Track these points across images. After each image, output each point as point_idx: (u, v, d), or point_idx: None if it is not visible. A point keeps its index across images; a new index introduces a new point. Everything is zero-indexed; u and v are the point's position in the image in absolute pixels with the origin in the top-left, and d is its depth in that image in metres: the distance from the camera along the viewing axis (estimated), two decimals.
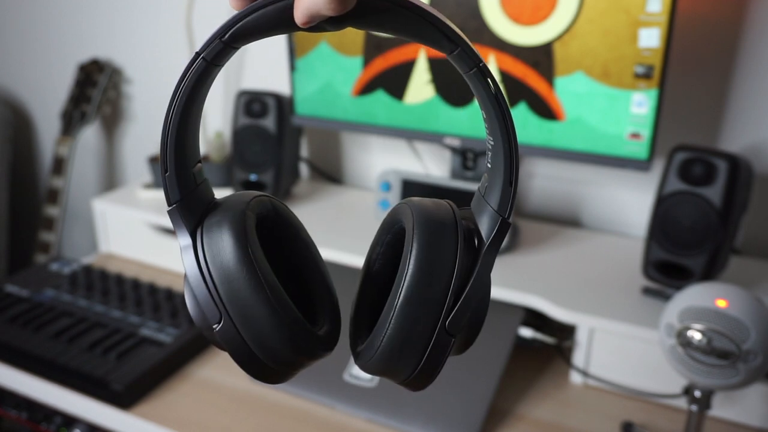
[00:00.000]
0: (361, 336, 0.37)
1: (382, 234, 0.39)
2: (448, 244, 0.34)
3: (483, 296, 0.35)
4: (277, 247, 0.39)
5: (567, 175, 1.17)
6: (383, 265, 0.39)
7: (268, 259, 0.35)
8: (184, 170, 0.35)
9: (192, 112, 0.34)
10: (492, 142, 0.35)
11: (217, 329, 0.34)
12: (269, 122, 1.18)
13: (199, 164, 0.36)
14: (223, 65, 0.34)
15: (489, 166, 0.36)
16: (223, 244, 0.34)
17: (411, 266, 0.33)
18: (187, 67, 0.33)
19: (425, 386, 0.36)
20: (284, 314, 0.34)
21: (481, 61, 0.33)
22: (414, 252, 0.34)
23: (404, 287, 0.33)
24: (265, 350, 0.34)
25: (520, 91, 0.99)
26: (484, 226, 0.35)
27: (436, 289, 0.34)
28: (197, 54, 0.33)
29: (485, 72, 0.33)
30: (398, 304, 0.33)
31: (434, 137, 1.08)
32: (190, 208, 0.35)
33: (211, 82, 0.35)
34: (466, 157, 1.10)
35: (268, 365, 0.35)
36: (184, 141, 0.35)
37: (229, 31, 0.32)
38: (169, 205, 0.35)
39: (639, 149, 0.94)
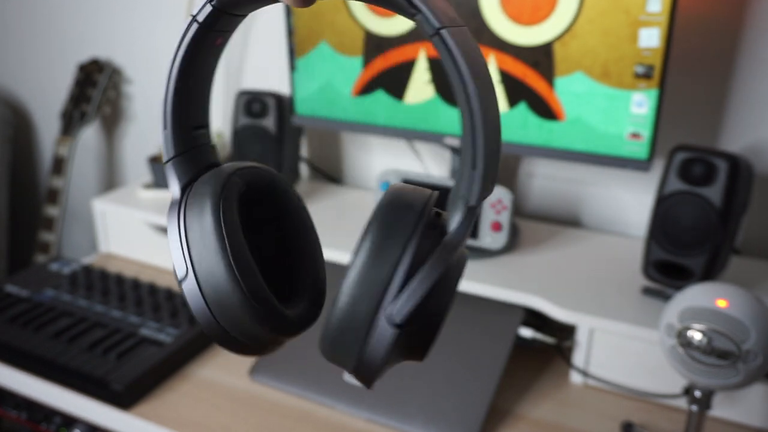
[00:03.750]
0: None
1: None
2: (404, 226, 0.31)
3: (439, 288, 0.31)
4: (267, 220, 0.39)
5: (567, 175, 1.17)
6: None
7: (252, 229, 0.36)
8: (182, 130, 0.37)
9: (192, 75, 0.36)
10: (460, 118, 0.32)
11: (183, 284, 0.34)
12: (269, 122, 1.18)
13: (204, 130, 0.38)
14: (224, 31, 0.36)
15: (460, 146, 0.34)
16: (198, 202, 0.35)
17: (361, 244, 0.31)
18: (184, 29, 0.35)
19: (371, 380, 0.33)
20: (244, 280, 0.33)
21: (443, 26, 0.30)
22: (368, 231, 0.32)
23: (352, 266, 0.31)
24: (225, 315, 0.34)
25: (520, 91, 0.99)
26: (455, 214, 0.32)
27: (381, 270, 0.31)
28: (192, 16, 0.34)
29: (446, 40, 0.30)
30: (344, 284, 0.32)
31: (434, 137, 1.08)
32: (186, 167, 0.37)
33: (215, 50, 0.36)
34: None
35: (227, 331, 0.34)
36: (184, 102, 0.36)
37: None
38: (164, 162, 0.36)
39: (639, 149, 0.94)
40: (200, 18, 0.34)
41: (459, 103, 0.31)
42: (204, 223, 0.34)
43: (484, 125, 0.30)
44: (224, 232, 0.33)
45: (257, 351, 0.36)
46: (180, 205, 0.35)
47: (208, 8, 0.34)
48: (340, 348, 0.32)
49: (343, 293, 0.31)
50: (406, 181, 1.10)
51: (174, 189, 0.36)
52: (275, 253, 0.39)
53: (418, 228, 0.31)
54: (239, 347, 0.35)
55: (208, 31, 0.34)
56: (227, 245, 0.33)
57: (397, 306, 0.31)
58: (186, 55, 0.35)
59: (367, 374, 0.32)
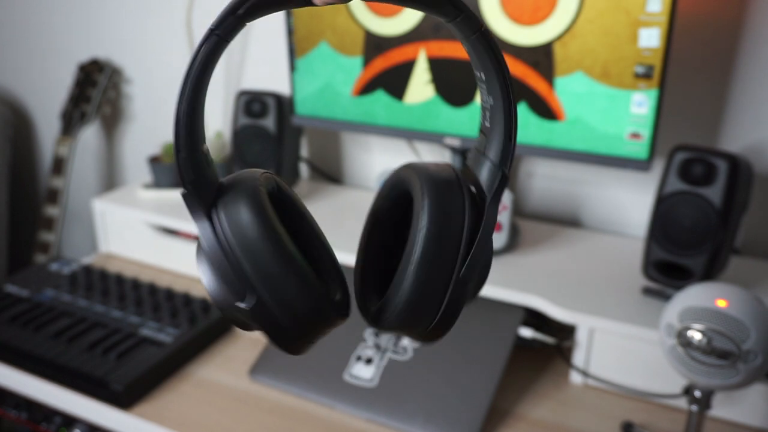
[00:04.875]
0: (372, 299, 0.38)
1: (382, 201, 0.40)
2: (456, 200, 0.36)
3: (490, 244, 0.37)
4: (284, 223, 0.40)
5: (567, 175, 1.17)
6: (385, 230, 0.40)
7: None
8: (197, 151, 0.35)
9: (202, 91, 0.34)
10: (492, 103, 0.37)
11: (245, 305, 0.34)
12: (269, 122, 1.18)
13: (205, 144, 0.36)
14: (231, 39, 0.34)
15: (488, 125, 0.37)
16: (245, 220, 0.34)
17: (425, 222, 0.35)
18: (200, 44, 0.33)
19: (443, 336, 0.38)
20: (312, 283, 0.35)
21: (483, 25, 0.34)
22: (427, 209, 0.35)
23: (420, 242, 0.35)
24: (293, 320, 0.35)
25: (520, 91, 0.99)
26: (486, 180, 0.37)
27: (449, 242, 0.35)
28: (211, 30, 0.33)
29: (487, 37, 0.35)
30: (416, 259, 0.35)
31: (434, 137, 1.08)
32: (205, 189, 0.35)
33: (218, 59, 0.35)
34: (466, 156, 1.10)
35: (294, 334, 0.35)
36: (196, 121, 0.34)
37: (244, 4, 0.32)
38: (184, 187, 0.34)
39: (639, 149, 0.94)
40: (223, 33, 0.32)
41: (492, 89, 0.36)
42: (262, 240, 0.34)
43: (515, 107, 0.37)
44: (287, 246, 0.34)
45: (310, 347, 0.37)
46: (216, 230, 0.34)
47: (233, 21, 0.32)
48: (418, 315, 0.36)
49: (419, 268, 0.35)
50: None
51: (199, 214, 0.34)
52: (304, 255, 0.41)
53: (467, 201, 0.36)
54: (299, 347, 0.37)
55: (224, 42, 0.33)
56: (298, 263, 0.34)
57: (466, 267, 0.36)
58: (201, 72, 0.33)
59: (442, 331, 0.37)
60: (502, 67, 0.35)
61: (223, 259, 0.34)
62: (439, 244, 0.35)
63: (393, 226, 0.41)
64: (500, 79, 0.36)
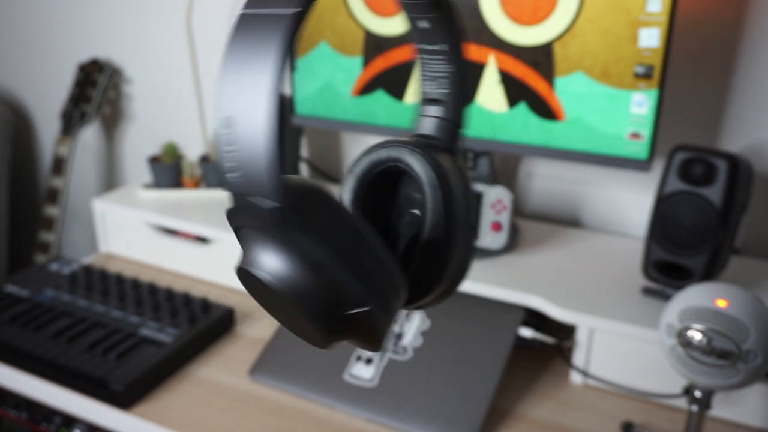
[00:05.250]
0: None
1: (357, 187, 0.41)
2: (446, 161, 0.39)
3: (471, 188, 0.42)
4: None
5: (567, 175, 1.17)
6: (368, 210, 0.41)
7: None
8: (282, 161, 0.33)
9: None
10: (453, 70, 0.41)
11: (366, 308, 0.32)
12: None
13: None
14: None
15: (446, 91, 0.42)
16: (352, 231, 0.33)
17: (434, 185, 0.38)
18: (288, 33, 0.29)
19: (458, 287, 0.40)
20: (403, 278, 0.35)
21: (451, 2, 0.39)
22: (431, 174, 0.38)
23: (441, 203, 0.38)
24: (393, 314, 0.35)
25: (520, 91, 0.99)
26: (447, 138, 0.42)
27: (457, 196, 0.39)
28: (297, 14, 0.29)
29: (454, 8, 0.39)
30: (444, 220, 0.38)
31: None
32: (293, 207, 0.31)
33: None
34: (465, 156, 1.10)
35: (387, 328, 0.35)
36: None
37: None
38: (281, 203, 0.30)
39: (639, 149, 0.94)
40: (305, 14, 0.29)
41: (455, 60, 0.41)
42: (376, 251, 0.33)
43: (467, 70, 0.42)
44: (385, 253, 0.35)
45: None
46: (322, 246, 0.32)
47: None
48: (450, 271, 0.38)
49: (449, 225, 0.38)
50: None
51: (294, 232, 0.31)
52: None
53: (459, 164, 0.40)
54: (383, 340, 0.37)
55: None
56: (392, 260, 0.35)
57: (472, 215, 0.41)
58: (284, 64, 0.29)
59: (459, 282, 0.40)
60: (463, 37, 0.40)
61: (336, 271, 0.32)
62: (454, 201, 0.38)
63: (374, 206, 0.41)
64: (461, 48, 0.40)
